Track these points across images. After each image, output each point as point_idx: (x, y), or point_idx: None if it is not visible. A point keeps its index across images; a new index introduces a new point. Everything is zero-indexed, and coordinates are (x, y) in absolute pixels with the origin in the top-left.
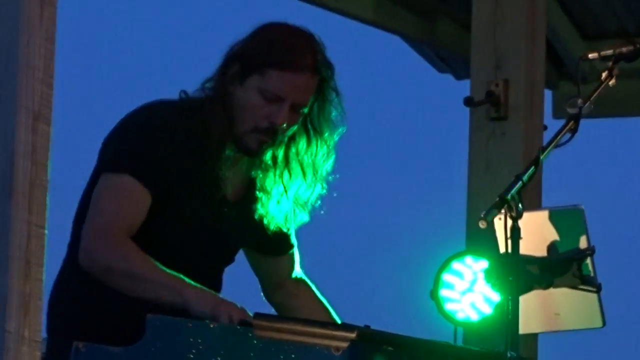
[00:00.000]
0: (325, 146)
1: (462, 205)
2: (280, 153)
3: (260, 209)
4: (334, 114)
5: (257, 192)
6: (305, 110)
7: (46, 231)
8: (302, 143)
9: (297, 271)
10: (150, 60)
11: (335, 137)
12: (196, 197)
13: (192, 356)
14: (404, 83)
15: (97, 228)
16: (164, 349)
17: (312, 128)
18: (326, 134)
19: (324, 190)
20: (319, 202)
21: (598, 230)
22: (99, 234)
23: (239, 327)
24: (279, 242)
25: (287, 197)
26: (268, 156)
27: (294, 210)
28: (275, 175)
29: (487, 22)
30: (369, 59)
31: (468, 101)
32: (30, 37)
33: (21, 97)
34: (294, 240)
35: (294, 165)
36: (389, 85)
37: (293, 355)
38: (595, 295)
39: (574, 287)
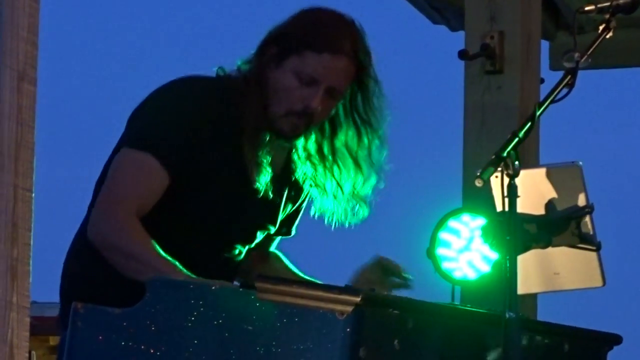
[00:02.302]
0: (376, 137)
1: (458, 161)
2: (326, 146)
3: (316, 205)
4: (378, 102)
5: (309, 187)
6: (342, 96)
7: (33, 194)
8: (351, 135)
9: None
10: (138, 21)
11: (385, 127)
12: (223, 181)
13: (192, 318)
14: (397, 35)
15: (107, 203)
16: (164, 310)
17: (359, 119)
18: (375, 124)
19: (382, 183)
20: (375, 194)
21: (597, 188)
22: (108, 209)
23: (241, 290)
24: (285, 226)
25: (343, 191)
26: (314, 150)
27: (354, 205)
28: (325, 170)
29: None
30: (360, 11)
31: (463, 54)
32: None
33: (5, 57)
34: (295, 229)
35: (346, 158)
36: (381, 37)
37: (296, 319)
38: (594, 254)
39: (573, 246)
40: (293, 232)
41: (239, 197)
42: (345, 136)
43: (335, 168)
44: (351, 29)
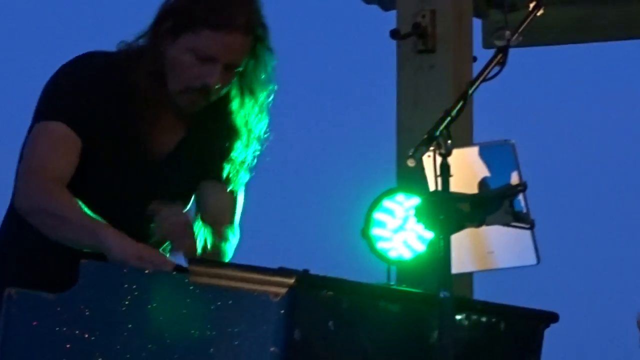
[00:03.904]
0: (257, 107)
1: (392, 140)
2: (218, 113)
3: (203, 168)
4: (265, 73)
5: (199, 151)
6: (240, 69)
7: None
8: (235, 103)
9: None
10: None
11: (268, 98)
12: (121, 152)
13: (127, 302)
14: (328, 15)
15: (28, 173)
16: (97, 295)
17: (246, 88)
18: (259, 95)
19: (258, 152)
20: (255, 161)
21: (531, 165)
22: (31, 176)
23: (174, 273)
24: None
25: (228, 157)
26: (204, 117)
27: (236, 170)
28: (215, 136)
29: None
30: None
31: (394, 34)
32: None
33: None
34: (234, 182)
35: (230, 125)
36: (314, 17)
37: (230, 302)
38: (528, 232)
39: (507, 224)
40: (227, 181)
41: (130, 169)
42: (231, 104)
43: (223, 134)
44: (246, 2)
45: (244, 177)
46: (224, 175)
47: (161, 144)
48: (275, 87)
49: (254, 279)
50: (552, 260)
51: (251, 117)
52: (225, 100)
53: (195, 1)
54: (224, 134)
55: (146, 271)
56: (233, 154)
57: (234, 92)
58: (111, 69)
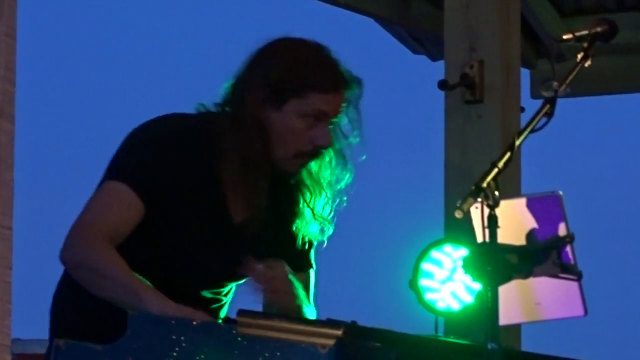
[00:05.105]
0: (341, 157)
1: (440, 191)
2: (303, 172)
3: (294, 231)
4: (348, 123)
5: (285, 215)
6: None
7: (12, 232)
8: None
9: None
10: (116, 58)
11: (351, 149)
12: (199, 217)
13: (174, 354)
14: (378, 65)
15: (80, 225)
16: (146, 346)
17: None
18: (337, 145)
19: (344, 204)
20: (338, 214)
21: (579, 216)
22: (80, 231)
23: (222, 324)
24: (297, 258)
25: (314, 213)
26: (289, 178)
27: (321, 224)
28: (299, 194)
29: (460, 1)
30: (342, 42)
31: (442, 84)
32: None
33: None
34: (313, 260)
35: (313, 180)
36: (363, 68)
37: (278, 353)
38: (576, 284)
39: (554, 276)
40: (313, 262)
41: (219, 235)
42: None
43: (305, 191)
44: (333, 58)
45: (329, 230)
46: (303, 248)
47: (241, 208)
48: (358, 138)
49: (301, 331)
50: (600, 311)
51: (329, 169)
52: None
53: (295, 66)
54: (310, 193)
55: (194, 322)
56: (319, 209)
57: None
58: (196, 136)
